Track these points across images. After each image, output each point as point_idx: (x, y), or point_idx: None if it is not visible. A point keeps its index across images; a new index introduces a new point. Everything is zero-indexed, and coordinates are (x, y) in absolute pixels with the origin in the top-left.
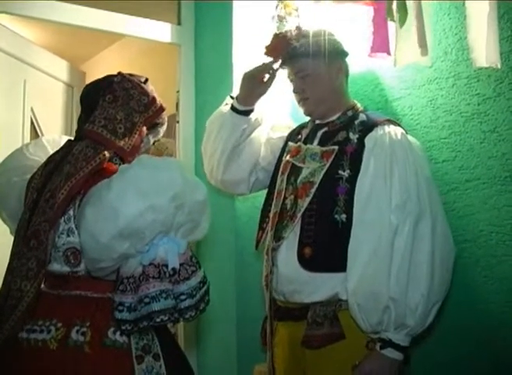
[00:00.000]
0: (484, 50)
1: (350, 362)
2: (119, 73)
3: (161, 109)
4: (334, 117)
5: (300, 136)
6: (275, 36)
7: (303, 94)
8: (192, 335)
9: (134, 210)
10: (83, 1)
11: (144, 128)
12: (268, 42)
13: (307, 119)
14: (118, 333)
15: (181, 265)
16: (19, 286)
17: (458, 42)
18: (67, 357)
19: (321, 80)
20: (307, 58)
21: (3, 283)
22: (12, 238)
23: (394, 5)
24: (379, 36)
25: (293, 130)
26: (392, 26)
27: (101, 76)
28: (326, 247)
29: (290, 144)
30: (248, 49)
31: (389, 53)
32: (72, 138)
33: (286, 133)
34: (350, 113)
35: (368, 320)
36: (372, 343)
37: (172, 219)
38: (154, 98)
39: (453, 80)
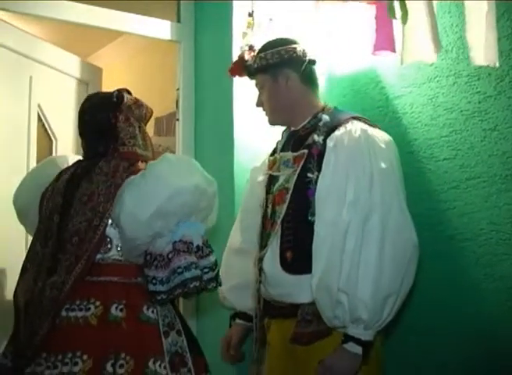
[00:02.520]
0: (482, 48)
1: None
2: (118, 92)
3: (151, 112)
4: (305, 122)
5: (276, 148)
6: (237, 58)
7: (261, 107)
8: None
9: (167, 194)
10: None
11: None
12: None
13: None
14: (150, 310)
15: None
16: (62, 279)
17: (459, 40)
18: (107, 331)
19: (271, 92)
20: (256, 74)
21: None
22: None
23: (396, 4)
24: (383, 33)
25: (275, 146)
26: (396, 24)
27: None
28: (305, 249)
29: (270, 158)
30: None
31: (393, 50)
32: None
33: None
34: (320, 116)
35: (325, 314)
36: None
37: (197, 203)
38: (145, 106)
39: (454, 78)
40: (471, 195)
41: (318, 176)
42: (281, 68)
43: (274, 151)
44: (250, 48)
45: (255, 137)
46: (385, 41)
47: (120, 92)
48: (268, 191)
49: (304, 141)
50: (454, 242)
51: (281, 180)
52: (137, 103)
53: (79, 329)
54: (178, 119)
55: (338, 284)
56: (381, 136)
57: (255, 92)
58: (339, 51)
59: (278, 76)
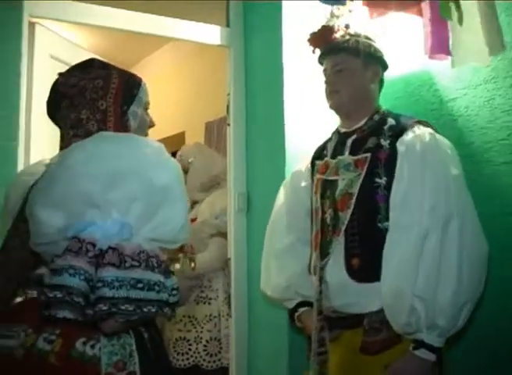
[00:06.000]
0: None
1: None
2: (59, 74)
3: (122, 79)
4: (361, 123)
5: (325, 151)
6: (322, 27)
7: (334, 86)
8: (243, 341)
9: None
10: (133, 4)
11: (118, 107)
12: (313, 31)
13: None
14: (88, 344)
15: None
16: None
17: None
18: (30, 366)
19: (355, 77)
20: (346, 54)
21: None
22: None
23: (451, 4)
24: (438, 36)
25: (317, 149)
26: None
27: (149, 80)
28: (374, 256)
29: (317, 162)
30: (299, 50)
31: (448, 54)
32: None
33: (303, 168)
34: (376, 118)
35: (396, 321)
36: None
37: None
38: (108, 74)
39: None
40: None
41: (387, 182)
42: (375, 62)
43: (319, 155)
44: (347, 26)
45: (306, 141)
46: (440, 44)
47: (60, 73)
48: (323, 196)
49: (364, 144)
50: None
51: (341, 184)
52: (85, 75)
53: (3, 361)
54: (229, 124)
55: (413, 290)
56: (446, 141)
57: (307, 94)
58: (391, 53)
59: (369, 67)
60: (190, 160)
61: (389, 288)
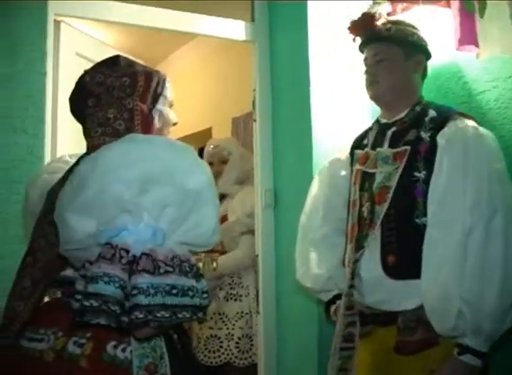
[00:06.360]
0: None
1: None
2: (84, 71)
3: (147, 77)
4: (402, 114)
5: (366, 141)
6: (364, 14)
7: (374, 77)
8: (272, 338)
9: None
10: (158, 1)
11: (145, 106)
12: (354, 18)
13: None
14: (119, 348)
15: None
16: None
17: None
18: (61, 370)
19: (397, 67)
20: (388, 43)
21: None
22: None
23: None
24: (467, 28)
25: (357, 138)
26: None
27: (175, 76)
28: (410, 253)
29: (357, 151)
30: (325, 45)
31: (477, 45)
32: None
33: (344, 157)
34: (417, 109)
35: (442, 324)
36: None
37: None
38: (134, 72)
39: None
40: None
41: (426, 176)
42: (418, 51)
43: (359, 144)
44: (389, 14)
45: (334, 137)
46: (468, 35)
47: (86, 70)
48: (361, 189)
49: (404, 137)
50: None
51: (379, 177)
52: (111, 73)
53: (35, 365)
54: (255, 120)
55: (459, 292)
56: (489, 134)
57: (334, 90)
58: None
59: (411, 57)
60: (230, 151)
61: (434, 290)
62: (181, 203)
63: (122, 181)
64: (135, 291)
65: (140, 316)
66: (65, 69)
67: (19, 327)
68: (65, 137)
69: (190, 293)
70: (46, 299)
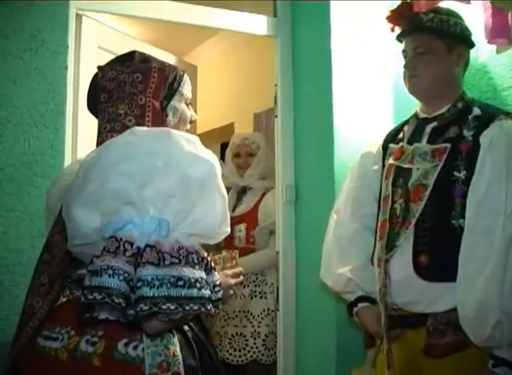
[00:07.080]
0: None
1: (472, 374)
2: (98, 67)
3: (162, 73)
4: (443, 109)
5: (401, 134)
6: (403, 3)
7: (414, 71)
8: (291, 336)
9: None
10: None
11: (157, 102)
12: (393, 7)
13: None
14: (131, 345)
15: None
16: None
17: None
18: (74, 369)
19: (438, 60)
20: (430, 35)
21: None
22: None
23: None
24: (498, 21)
25: (391, 131)
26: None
27: (198, 70)
28: (444, 254)
29: (391, 145)
30: (347, 40)
31: (509, 39)
32: None
33: (374, 150)
34: (460, 105)
35: (477, 334)
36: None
37: None
38: (148, 68)
39: None
40: None
41: (466, 176)
42: (461, 42)
43: (393, 138)
44: (430, 3)
45: (356, 133)
46: (501, 28)
47: (99, 66)
48: (394, 184)
49: (444, 133)
50: None
51: (416, 174)
52: (124, 69)
53: (49, 363)
54: (276, 116)
55: (498, 304)
56: None
57: (356, 86)
58: None
59: (453, 49)
60: (259, 145)
61: (471, 299)
62: (185, 193)
63: (123, 174)
64: (140, 284)
65: (145, 308)
66: (87, 63)
67: (38, 324)
68: (86, 132)
69: (198, 285)
70: (63, 299)
